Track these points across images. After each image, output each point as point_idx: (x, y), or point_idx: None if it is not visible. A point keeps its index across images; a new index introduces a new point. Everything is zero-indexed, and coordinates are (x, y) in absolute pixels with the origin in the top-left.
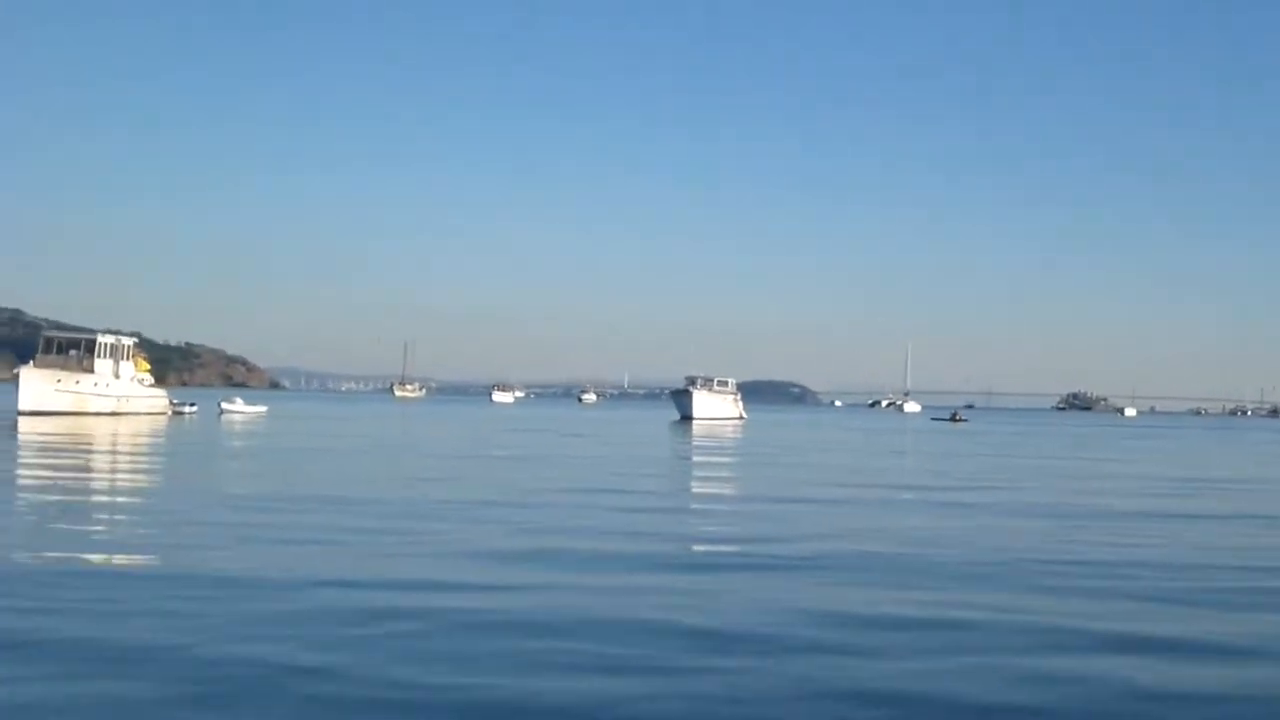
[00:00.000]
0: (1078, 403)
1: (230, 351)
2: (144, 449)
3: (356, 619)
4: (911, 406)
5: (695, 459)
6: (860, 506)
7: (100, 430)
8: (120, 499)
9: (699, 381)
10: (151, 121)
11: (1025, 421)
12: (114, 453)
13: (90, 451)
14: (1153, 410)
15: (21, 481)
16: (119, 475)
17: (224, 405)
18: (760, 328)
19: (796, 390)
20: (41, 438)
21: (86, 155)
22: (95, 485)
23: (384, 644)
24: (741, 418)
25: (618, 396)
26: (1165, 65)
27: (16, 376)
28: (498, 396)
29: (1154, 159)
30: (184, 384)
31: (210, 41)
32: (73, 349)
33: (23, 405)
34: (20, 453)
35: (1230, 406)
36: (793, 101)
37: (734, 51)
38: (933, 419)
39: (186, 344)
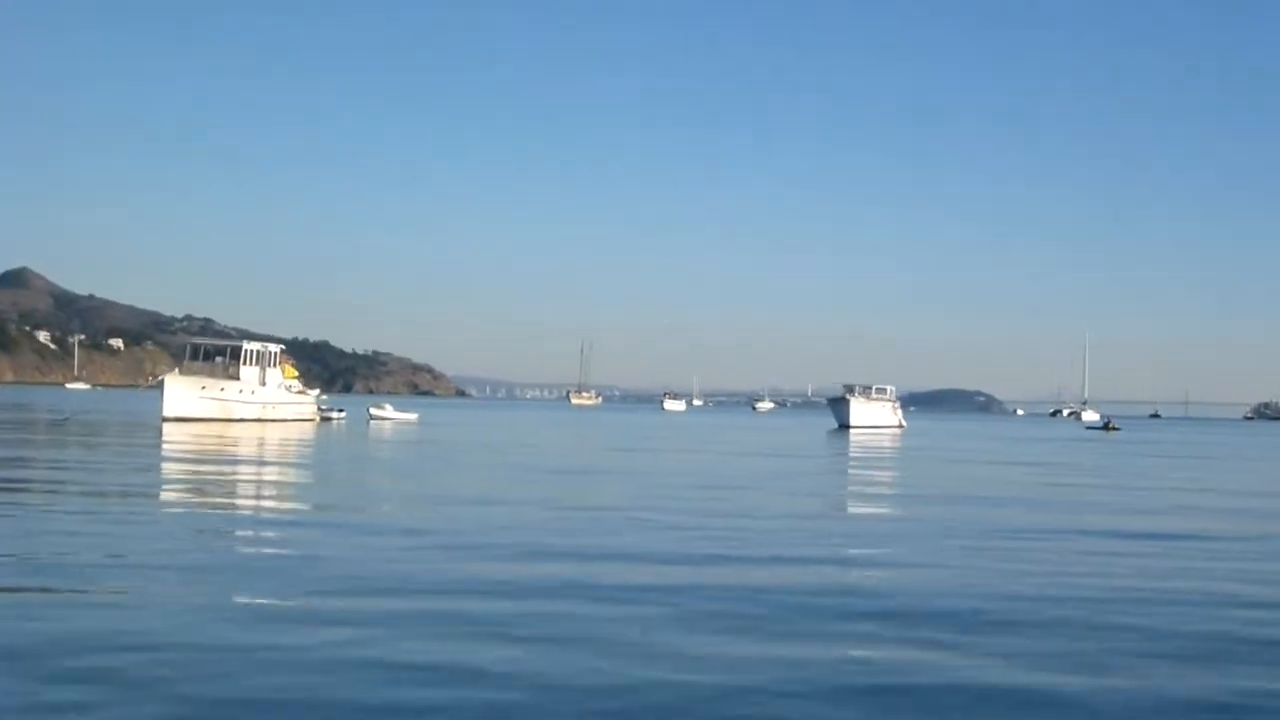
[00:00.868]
0: (1269, 413)
1: (417, 360)
2: (274, 455)
3: None
4: (1089, 415)
5: (772, 467)
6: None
7: (240, 436)
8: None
9: (857, 390)
10: (333, 132)
11: (1199, 431)
12: (244, 459)
13: (219, 460)
14: None
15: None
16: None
17: (373, 411)
18: (948, 336)
19: (982, 399)
20: (179, 444)
21: (276, 167)
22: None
23: None
24: (901, 426)
25: (800, 405)
26: None
27: (162, 383)
28: (669, 404)
29: None
30: (370, 391)
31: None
32: (219, 356)
33: (167, 411)
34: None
35: None
36: (966, 116)
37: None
38: (1087, 428)
39: (373, 352)
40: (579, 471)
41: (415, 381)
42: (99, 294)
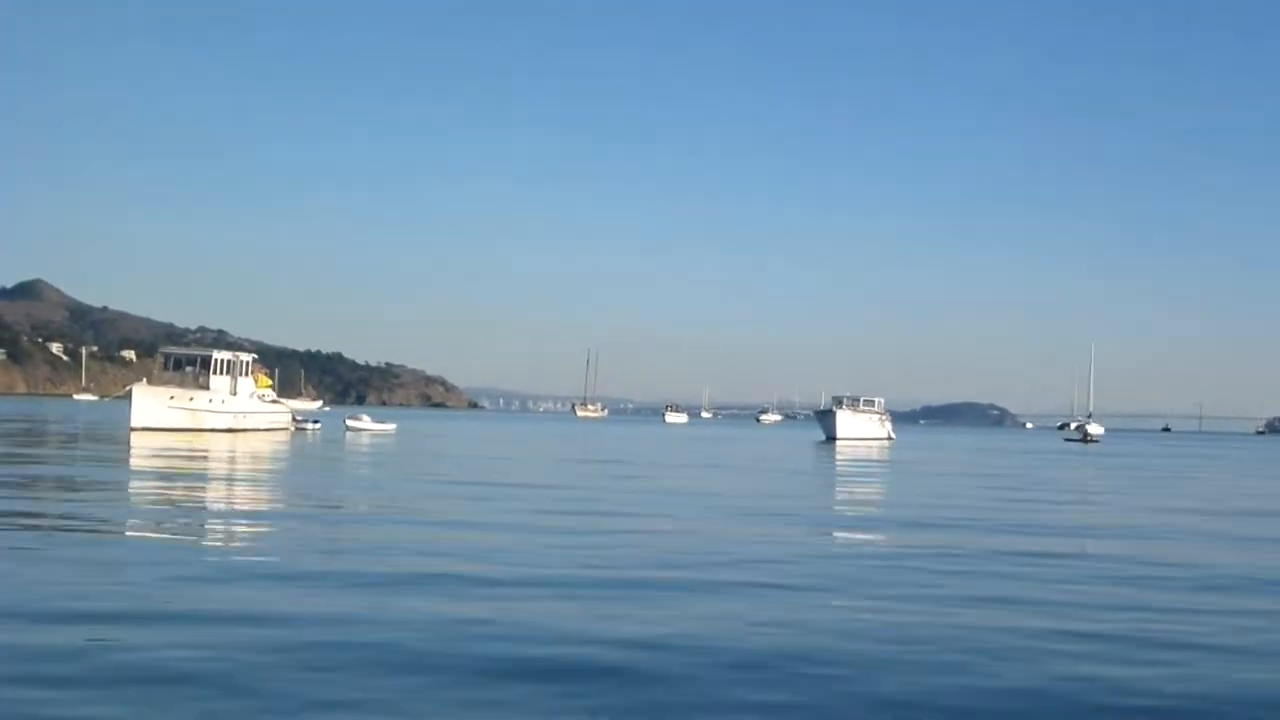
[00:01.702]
0: (1278, 427)
1: (430, 372)
2: (223, 466)
3: None
4: (1095, 428)
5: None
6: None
7: (204, 447)
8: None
9: (845, 402)
10: (349, 145)
11: (1199, 444)
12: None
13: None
14: None
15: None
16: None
17: (349, 422)
18: (966, 350)
19: (995, 412)
20: (148, 454)
21: (292, 179)
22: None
23: None
24: (890, 438)
25: (809, 418)
26: None
27: (129, 393)
28: (670, 417)
29: None
30: (383, 403)
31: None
32: (189, 365)
33: (135, 422)
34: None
35: None
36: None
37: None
38: (1065, 439)
39: (386, 364)
40: (496, 485)
41: (428, 394)
42: (113, 306)
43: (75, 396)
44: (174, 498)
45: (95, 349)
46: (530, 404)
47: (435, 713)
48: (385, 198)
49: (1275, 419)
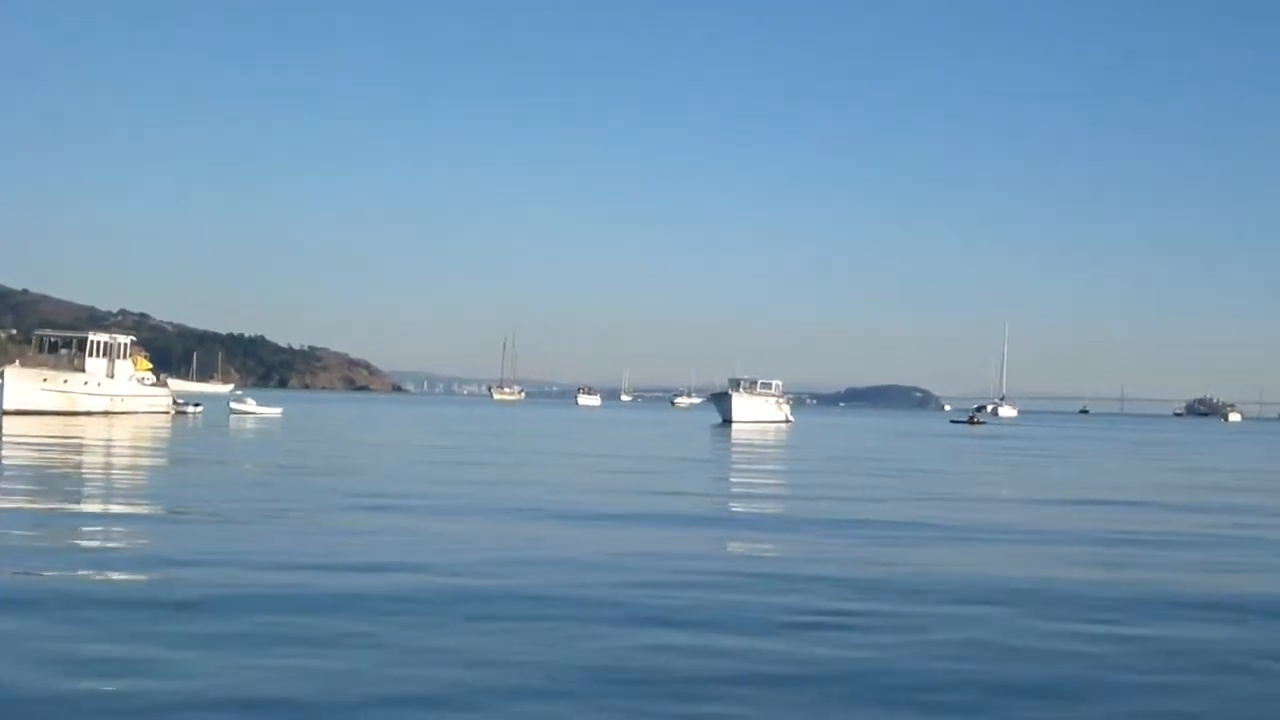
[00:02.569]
0: (1201, 409)
1: (355, 355)
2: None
3: None
4: (1007, 411)
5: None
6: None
7: (74, 432)
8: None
9: (741, 385)
10: (271, 127)
11: (1106, 428)
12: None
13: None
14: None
15: None
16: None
17: (233, 405)
18: (893, 333)
19: (919, 395)
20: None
21: (203, 159)
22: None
23: None
24: (787, 421)
25: None
26: None
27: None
28: (583, 400)
29: None
30: (306, 386)
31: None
32: (64, 348)
33: (7, 404)
34: None
35: None
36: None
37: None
38: (952, 421)
39: (309, 347)
40: (334, 473)
41: (351, 377)
42: (34, 289)
43: None
44: None
45: (14, 331)
46: (455, 387)
47: None
48: (309, 180)
49: (1194, 401)
